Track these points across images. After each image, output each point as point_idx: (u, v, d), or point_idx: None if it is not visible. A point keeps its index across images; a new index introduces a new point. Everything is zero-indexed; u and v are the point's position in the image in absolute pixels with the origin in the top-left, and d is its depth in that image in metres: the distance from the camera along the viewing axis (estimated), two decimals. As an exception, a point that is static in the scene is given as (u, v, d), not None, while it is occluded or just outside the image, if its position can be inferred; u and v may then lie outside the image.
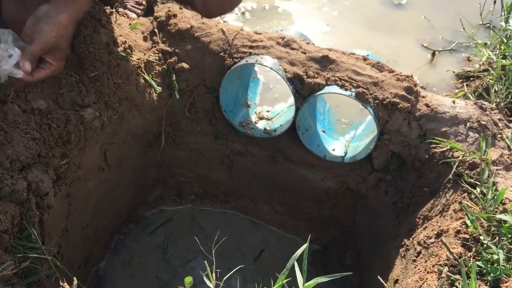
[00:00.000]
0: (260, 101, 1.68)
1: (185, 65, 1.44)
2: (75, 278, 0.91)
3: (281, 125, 1.50)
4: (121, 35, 1.36)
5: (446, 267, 0.99)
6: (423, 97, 1.35)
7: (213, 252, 0.95)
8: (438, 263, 1.03)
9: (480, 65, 2.01)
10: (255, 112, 1.59)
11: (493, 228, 1.01)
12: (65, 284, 0.95)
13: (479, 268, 0.96)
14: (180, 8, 1.53)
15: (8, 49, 0.99)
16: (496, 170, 1.16)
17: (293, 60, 1.39)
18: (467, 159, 1.19)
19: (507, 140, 1.24)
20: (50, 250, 0.97)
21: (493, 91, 1.58)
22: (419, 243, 1.17)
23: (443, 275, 0.97)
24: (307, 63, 1.38)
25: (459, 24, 2.24)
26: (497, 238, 0.99)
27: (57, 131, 1.12)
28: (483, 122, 1.27)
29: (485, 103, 1.34)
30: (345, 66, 1.36)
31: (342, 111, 1.84)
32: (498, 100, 1.51)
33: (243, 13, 2.37)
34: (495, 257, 0.95)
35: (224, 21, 2.25)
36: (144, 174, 1.65)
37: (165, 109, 1.49)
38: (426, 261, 1.09)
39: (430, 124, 1.30)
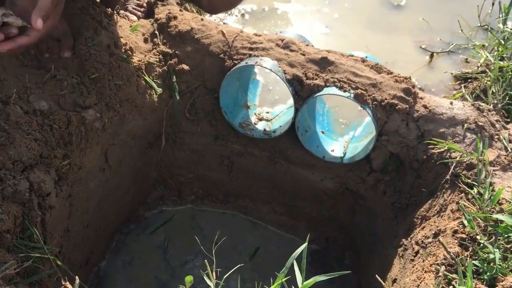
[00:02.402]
0: (259, 102, 1.69)
1: (185, 66, 1.45)
2: (77, 277, 0.92)
3: (280, 126, 1.51)
4: (122, 37, 1.37)
5: (443, 266, 1.00)
6: (421, 98, 1.36)
7: (213, 252, 0.96)
8: (436, 262, 1.04)
9: (478, 66, 2.02)
10: (255, 113, 1.60)
11: (489, 228, 1.02)
12: (67, 283, 0.96)
13: (475, 267, 0.97)
14: (180, 10, 1.54)
15: None
16: (493, 170, 1.17)
17: (292, 62, 1.40)
18: (465, 160, 1.20)
19: (504, 141, 1.25)
20: (52, 250, 0.98)
21: (491, 92, 1.59)
22: (417, 243, 1.18)
23: (440, 274, 0.98)
24: (306, 65, 1.39)
25: (457, 26, 2.25)
26: (493, 237, 1.00)
27: (59, 132, 1.13)
28: (480, 123, 1.28)
29: (482, 104, 1.35)
30: (344, 68, 1.38)
31: (341, 112, 1.86)
32: (495, 102, 1.52)
33: (242, 15, 2.38)
34: (492, 256, 0.96)
35: (224, 23, 2.26)
36: (145, 175, 1.66)
37: (166, 110, 1.50)
38: (423, 261, 1.10)
39: (428, 125, 1.31)
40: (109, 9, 1.43)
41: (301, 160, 1.53)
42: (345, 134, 1.59)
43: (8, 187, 0.94)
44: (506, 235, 0.99)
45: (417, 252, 1.16)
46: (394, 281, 1.22)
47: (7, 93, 1.09)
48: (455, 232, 1.06)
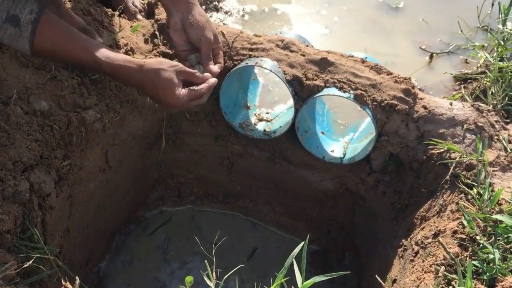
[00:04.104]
0: (259, 103, 1.70)
1: (185, 67, 1.45)
2: (77, 277, 0.92)
3: (280, 126, 1.51)
4: (123, 37, 1.38)
5: (443, 266, 1.01)
6: (421, 99, 1.36)
7: (213, 252, 0.96)
8: (435, 262, 1.04)
9: (477, 67, 2.02)
10: (255, 114, 1.60)
11: (489, 228, 1.02)
12: (67, 283, 0.96)
13: (475, 268, 0.97)
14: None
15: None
16: (493, 171, 1.17)
17: (292, 63, 1.40)
18: (464, 160, 1.20)
19: (503, 141, 1.25)
20: (52, 250, 0.98)
21: (490, 93, 1.59)
22: (416, 243, 1.18)
23: (440, 274, 0.99)
24: (306, 65, 1.39)
25: (456, 26, 2.25)
26: (493, 238, 1.00)
27: (59, 133, 1.13)
28: (480, 124, 1.28)
29: (482, 105, 1.36)
30: (344, 69, 1.38)
31: (340, 113, 1.85)
32: (495, 102, 1.52)
33: (242, 16, 2.38)
34: (491, 256, 0.96)
35: (224, 24, 2.26)
36: (145, 175, 1.66)
37: (166, 111, 1.51)
38: (423, 261, 1.10)
39: (428, 125, 1.32)
40: (110, 10, 1.44)
41: (301, 161, 1.53)
42: (345, 135, 1.59)
43: (8, 188, 0.94)
44: (505, 236, 0.99)
45: (416, 253, 1.16)
46: (394, 281, 1.22)
47: (7, 93, 1.09)
48: (455, 232, 1.06)
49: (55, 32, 1.05)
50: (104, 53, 1.09)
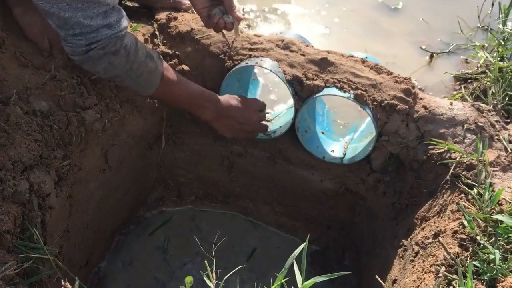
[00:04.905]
0: (259, 103, 1.69)
1: (185, 67, 1.45)
2: (77, 278, 0.92)
3: (280, 126, 1.51)
4: (122, 38, 1.37)
5: (443, 267, 1.00)
6: (421, 99, 1.36)
7: (213, 252, 0.96)
8: (436, 263, 1.04)
9: (477, 67, 2.01)
10: (255, 114, 1.60)
11: (489, 229, 1.02)
12: (67, 284, 0.96)
13: (475, 268, 0.97)
14: (180, 11, 1.54)
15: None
16: (493, 171, 1.17)
17: (292, 62, 1.40)
18: (465, 160, 1.20)
19: (504, 141, 1.25)
20: (52, 251, 0.98)
21: (490, 93, 1.59)
22: (417, 244, 1.18)
23: (440, 274, 0.98)
24: (306, 65, 1.39)
25: (457, 26, 2.25)
26: (493, 238, 1.00)
27: (59, 133, 1.13)
28: (480, 124, 1.28)
29: (482, 105, 1.35)
30: (344, 68, 1.38)
31: (340, 113, 1.85)
32: (495, 102, 1.52)
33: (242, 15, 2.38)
34: (492, 257, 0.96)
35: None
36: (145, 175, 1.66)
37: (166, 111, 1.50)
38: (423, 261, 1.10)
39: (428, 125, 1.31)
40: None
41: (301, 161, 1.53)
42: (345, 135, 1.59)
43: (8, 188, 0.94)
44: (506, 236, 0.99)
45: (417, 253, 1.16)
46: (394, 281, 1.22)
47: (7, 93, 1.09)
48: (455, 232, 1.06)
49: (170, 69, 1.24)
50: (207, 90, 1.34)
